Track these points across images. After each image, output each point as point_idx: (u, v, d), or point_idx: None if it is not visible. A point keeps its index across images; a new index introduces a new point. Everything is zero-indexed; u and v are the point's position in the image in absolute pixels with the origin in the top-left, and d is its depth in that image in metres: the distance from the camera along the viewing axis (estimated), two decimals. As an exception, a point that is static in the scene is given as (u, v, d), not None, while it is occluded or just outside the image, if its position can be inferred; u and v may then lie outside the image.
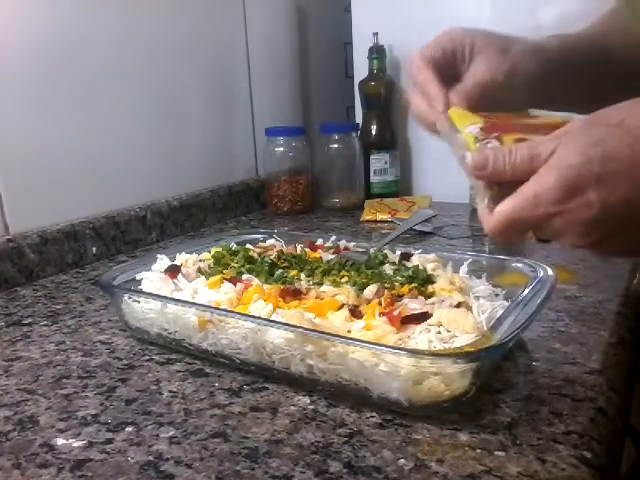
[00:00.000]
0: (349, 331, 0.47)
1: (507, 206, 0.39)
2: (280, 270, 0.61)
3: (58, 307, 0.71)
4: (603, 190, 0.36)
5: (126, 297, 0.58)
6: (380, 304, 0.51)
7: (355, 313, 0.50)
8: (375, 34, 1.18)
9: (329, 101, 1.50)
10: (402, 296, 0.53)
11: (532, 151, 0.39)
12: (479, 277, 0.59)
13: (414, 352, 0.42)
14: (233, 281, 0.58)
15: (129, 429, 0.44)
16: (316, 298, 0.54)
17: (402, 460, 0.39)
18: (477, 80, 0.50)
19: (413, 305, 0.51)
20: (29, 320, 0.67)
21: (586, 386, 0.46)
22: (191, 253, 0.69)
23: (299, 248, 0.69)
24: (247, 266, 0.63)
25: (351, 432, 0.42)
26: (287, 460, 0.39)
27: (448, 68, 0.51)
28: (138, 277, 0.63)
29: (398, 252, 0.67)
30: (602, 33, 0.60)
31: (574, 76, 0.55)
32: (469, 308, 0.50)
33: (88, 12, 0.88)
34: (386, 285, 0.56)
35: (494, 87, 0.50)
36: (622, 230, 0.38)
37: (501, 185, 0.40)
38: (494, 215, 0.40)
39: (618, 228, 0.38)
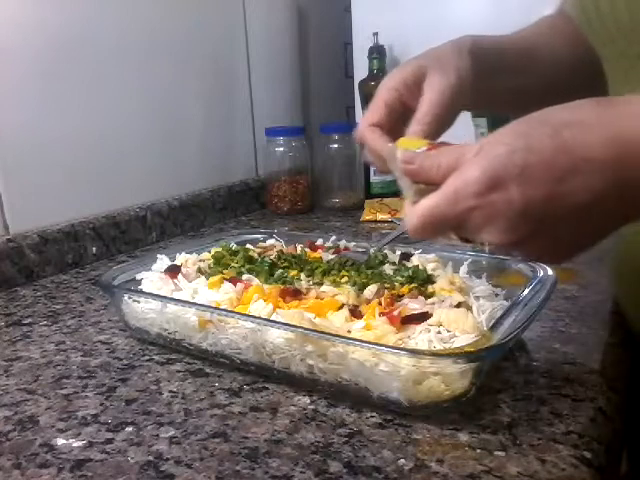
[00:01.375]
0: (349, 331, 0.47)
1: (428, 201, 0.39)
2: (280, 270, 0.61)
3: (58, 307, 0.71)
4: (525, 184, 0.35)
5: (126, 297, 0.58)
6: (380, 304, 0.51)
7: (355, 313, 0.50)
8: (375, 34, 1.18)
9: (329, 101, 1.50)
10: (402, 296, 0.53)
11: (458, 151, 0.39)
12: (479, 277, 0.59)
13: (414, 352, 0.42)
14: (233, 281, 0.58)
15: (129, 429, 0.44)
16: (316, 298, 0.54)
17: (402, 460, 0.39)
18: (430, 105, 0.51)
19: (413, 305, 0.51)
20: (29, 320, 0.67)
21: (586, 386, 0.46)
22: (191, 253, 0.69)
23: (299, 248, 0.69)
24: (247, 266, 0.63)
25: (351, 432, 0.42)
26: (287, 460, 0.39)
27: (406, 105, 0.52)
28: (138, 277, 0.63)
29: (398, 252, 0.67)
30: (533, 34, 0.62)
31: (487, 69, 0.55)
32: (469, 308, 0.50)
33: (87, 11, 0.88)
34: (386, 285, 0.56)
35: (449, 103, 0.51)
36: (545, 228, 0.37)
37: (427, 185, 0.40)
38: (415, 209, 0.39)
39: (541, 225, 0.36)
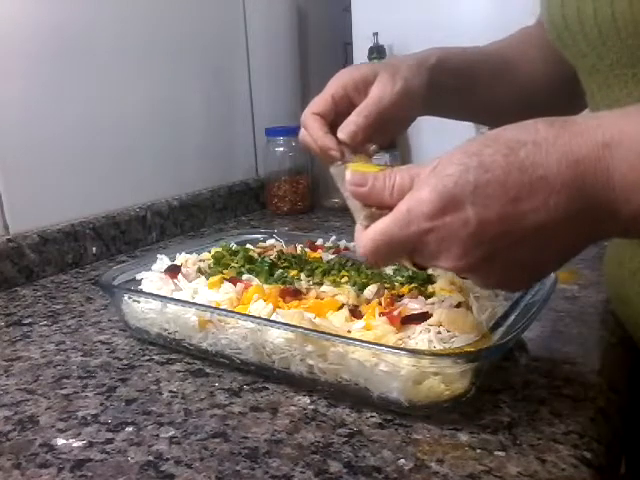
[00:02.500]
0: (349, 331, 0.47)
1: (380, 223, 0.37)
2: (280, 270, 0.61)
3: (58, 307, 0.71)
4: (479, 204, 0.34)
5: (126, 297, 0.58)
6: (380, 304, 0.51)
7: (355, 313, 0.50)
8: (375, 34, 1.18)
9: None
10: (402, 296, 0.53)
11: (412, 171, 0.38)
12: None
13: (414, 352, 0.42)
14: (233, 281, 0.58)
15: (129, 429, 0.44)
16: (316, 298, 0.54)
17: (402, 460, 0.39)
18: (372, 101, 0.53)
19: (413, 305, 0.51)
20: (29, 320, 0.67)
21: (586, 386, 0.46)
22: (191, 253, 0.68)
23: (299, 248, 0.69)
24: (247, 266, 0.63)
25: (351, 432, 0.42)
26: (287, 460, 0.39)
27: (350, 102, 0.55)
28: (138, 277, 0.63)
29: (398, 252, 0.66)
30: (507, 46, 0.63)
31: (453, 85, 0.58)
32: (469, 308, 0.50)
33: (86, 10, 0.88)
34: (386, 285, 0.56)
35: (388, 106, 0.53)
36: (503, 251, 0.35)
37: (379, 207, 0.39)
38: (367, 233, 0.38)
39: (498, 248, 0.35)
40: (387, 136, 0.59)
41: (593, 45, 0.47)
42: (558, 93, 0.62)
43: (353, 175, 0.40)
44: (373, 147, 0.57)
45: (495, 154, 0.34)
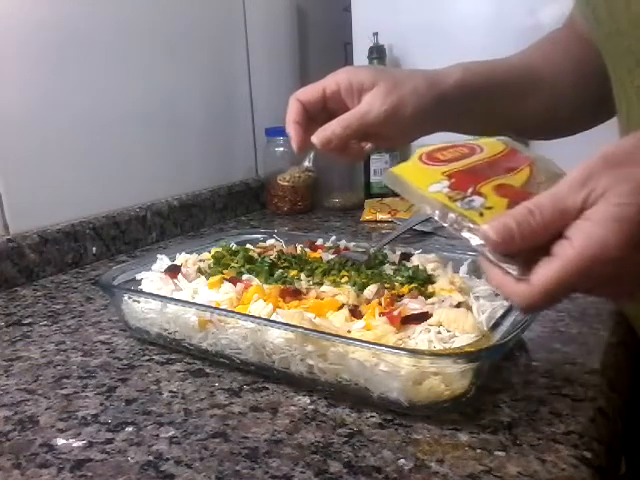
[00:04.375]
0: (349, 331, 0.47)
1: (551, 273, 0.33)
2: (280, 270, 0.61)
3: (58, 307, 0.71)
4: None
5: (126, 297, 0.58)
6: (380, 304, 0.51)
7: (355, 313, 0.50)
8: (375, 34, 1.18)
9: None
10: (402, 296, 0.53)
11: (559, 205, 0.33)
12: (479, 277, 0.59)
13: (414, 352, 0.42)
14: (233, 281, 0.58)
15: (129, 429, 0.44)
16: (316, 298, 0.54)
17: (402, 460, 0.39)
18: (357, 114, 0.53)
19: (413, 305, 0.51)
20: (29, 320, 0.67)
21: (586, 386, 0.46)
22: (191, 253, 0.69)
23: (299, 248, 0.69)
24: (247, 266, 0.63)
25: (351, 432, 0.42)
26: (287, 460, 0.39)
27: (341, 102, 0.55)
28: (138, 277, 0.63)
29: (398, 252, 0.67)
30: (530, 56, 0.62)
31: (471, 107, 0.57)
32: (469, 308, 0.50)
33: (85, 13, 0.88)
34: (386, 285, 0.56)
35: (372, 122, 0.53)
36: None
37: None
38: (534, 286, 0.33)
39: None
40: (383, 143, 0.59)
41: (635, 23, 0.45)
42: (584, 106, 0.61)
43: (497, 231, 0.34)
44: (369, 146, 0.57)
45: None
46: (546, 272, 0.33)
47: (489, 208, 0.36)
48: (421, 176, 0.41)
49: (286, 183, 0.66)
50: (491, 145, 0.44)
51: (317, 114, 0.57)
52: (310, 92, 0.56)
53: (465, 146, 0.44)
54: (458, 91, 0.55)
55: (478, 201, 0.37)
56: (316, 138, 0.54)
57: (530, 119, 0.62)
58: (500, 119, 0.62)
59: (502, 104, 0.59)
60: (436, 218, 0.38)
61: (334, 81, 0.55)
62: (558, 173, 0.39)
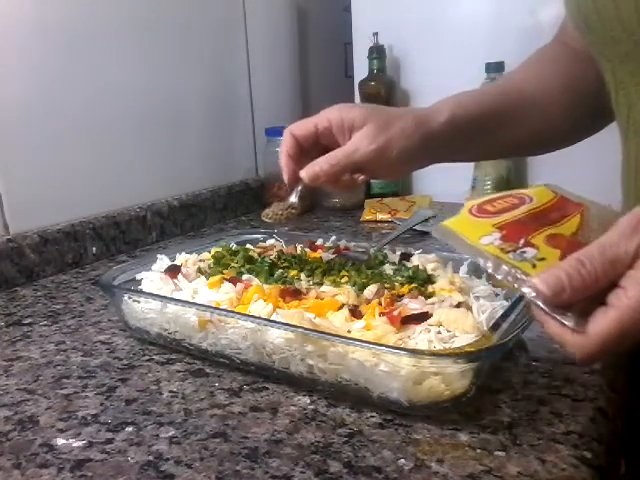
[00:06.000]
0: (349, 331, 0.47)
1: (608, 325, 0.33)
2: (280, 270, 0.61)
3: (58, 307, 0.71)
4: None
5: (126, 297, 0.58)
6: (380, 304, 0.51)
7: (355, 313, 0.50)
8: (375, 34, 1.18)
9: (329, 101, 1.49)
10: (402, 296, 0.53)
11: (609, 255, 0.34)
12: (479, 277, 0.59)
13: (414, 352, 0.42)
14: (233, 281, 0.58)
15: (129, 429, 0.44)
16: (316, 298, 0.54)
17: (402, 460, 0.39)
18: (345, 152, 0.55)
19: (413, 305, 0.51)
20: (29, 320, 0.67)
21: (586, 386, 0.46)
22: (191, 253, 0.69)
23: (299, 248, 0.69)
24: (247, 266, 0.63)
25: (351, 432, 0.42)
26: (287, 460, 0.39)
27: (332, 138, 0.57)
28: (138, 277, 0.63)
29: (398, 252, 0.67)
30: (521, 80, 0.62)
31: (463, 141, 0.59)
32: (469, 308, 0.50)
33: (86, 10, 0.88)
34: (386, 285, 0.56)
35: (360, 160, 0.55)
36: None
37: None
38: (592, 338, 0.33)
39: None
40: (375, 176, 0.61)
41: (630, 30, 0.46)
42: (580, 119, 0.62)
43: (548, 284, 0.34)
44: (361, 178, 0.58)
45: None
46: (603, 323, 0.33)
47: (542, 259, 0.37)
48: (472, 229, 0.41)
49: (268, 220, 0.67)
50: (540, 194, 0.44)
51: (310, 148, 0.58)
52: (303, 127, 0.58)
53: (514, 196, 0.44)
54: (448, 127, 0.56)
55: (530, 253, 0.37)
56: (305, 173, 0.56)
57: (524, 141, 0.63)
58: (495, 147, 0.63)
59: (495, 133, 0.60)
60: (490, 271, 0.38)
61: (326, 118, 0.57)
62: (611, 218, 0.38)
